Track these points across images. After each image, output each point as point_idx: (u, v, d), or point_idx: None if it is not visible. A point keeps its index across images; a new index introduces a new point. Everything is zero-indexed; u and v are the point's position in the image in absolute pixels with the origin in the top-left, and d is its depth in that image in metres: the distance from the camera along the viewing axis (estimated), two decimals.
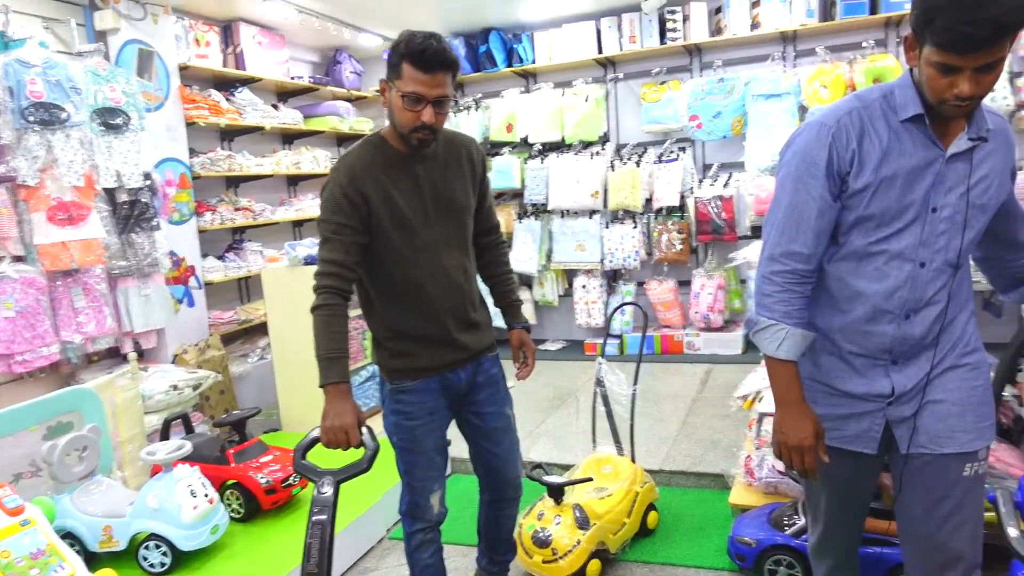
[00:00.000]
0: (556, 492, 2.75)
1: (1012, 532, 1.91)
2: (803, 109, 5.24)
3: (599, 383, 3.15)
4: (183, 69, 4.73)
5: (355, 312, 4.28)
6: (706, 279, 5.52)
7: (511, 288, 2.34)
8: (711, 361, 5.37)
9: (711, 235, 5.48)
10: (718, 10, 5.60)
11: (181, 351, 4.38)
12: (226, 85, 5.25)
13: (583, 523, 2.67)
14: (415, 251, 2.00)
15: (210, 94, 4.97)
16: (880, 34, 5.28)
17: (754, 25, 5.45)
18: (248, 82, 5.39)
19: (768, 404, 2.83)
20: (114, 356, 4.28)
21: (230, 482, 3.07)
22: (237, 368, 4.76)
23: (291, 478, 3.11)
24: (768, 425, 2.84)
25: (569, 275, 6.16)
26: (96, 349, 3.96)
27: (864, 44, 5.17)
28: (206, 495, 2.76)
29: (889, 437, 1.65)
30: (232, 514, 3.01)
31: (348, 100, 6.41)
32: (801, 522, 2.51)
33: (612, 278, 6.04)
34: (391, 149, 2.01)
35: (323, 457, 2.00)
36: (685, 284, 5.75)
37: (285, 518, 3.09)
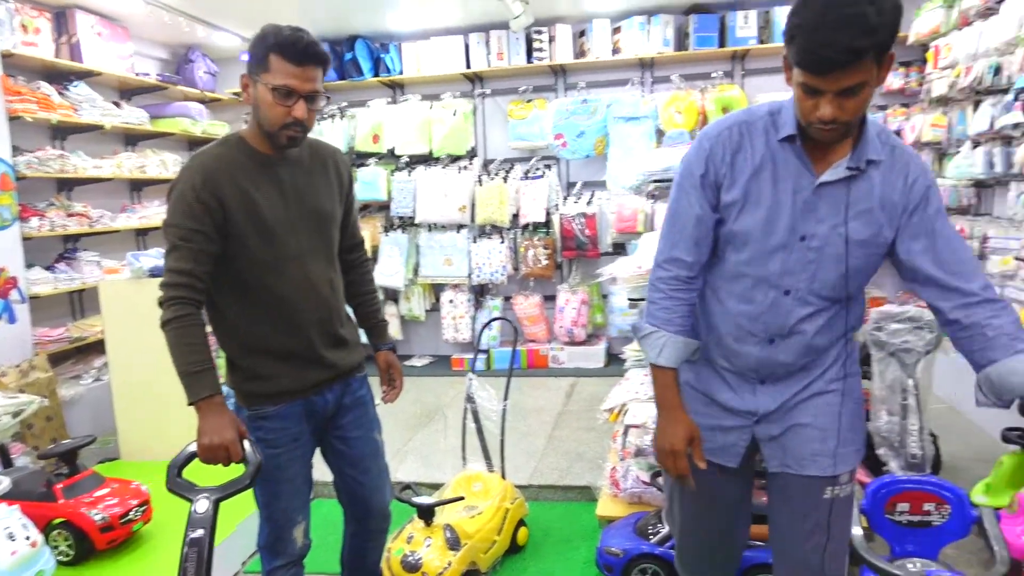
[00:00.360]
0: (426, 513, 2.67)
1: (856, 531, 2.08)
2: (660, 133, 5.52)
3: (469, 399, 3.11)
4: (6, 57, 4.24)
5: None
6: (570, 294, 5.65)
7: (376, 308, 2.23)
8: (575, 374, 5.49)
9: (575, 251, 5.62)
10: (582, 33, 5.79)
11: None
12: (59, 78, 4.75)
13: (454, 544, 2.61)
14: (277, 260, 1.85)
15: (39, 86, 4.48)
16: (727, 66, 5.67)
17: (615, 50, 5.69)
18: (85, 76, 4.90)
19: (633, 416, 2.91)
20: None
21: (57, 521, 2.73)
22: (68, 391, 4.28)
23: (131, 512, 2.82)
24: (633, 437, 2.92)
25: (436, 290, 6.10)
26: None
27: (713, 75, 5.54)
28: (27, 537, 2.44)
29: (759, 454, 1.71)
30: (60, 557, 2.68)
31: (201, 101, 6.02)
32: (665, 530, 2.58)
33: (479, 293, 6.05)
34: (252, 150, 1.84)
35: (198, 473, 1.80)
36: (550, 299, 5.86)
37: (123, 558, 2.79)
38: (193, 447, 1.75)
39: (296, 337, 1.90)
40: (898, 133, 5.27)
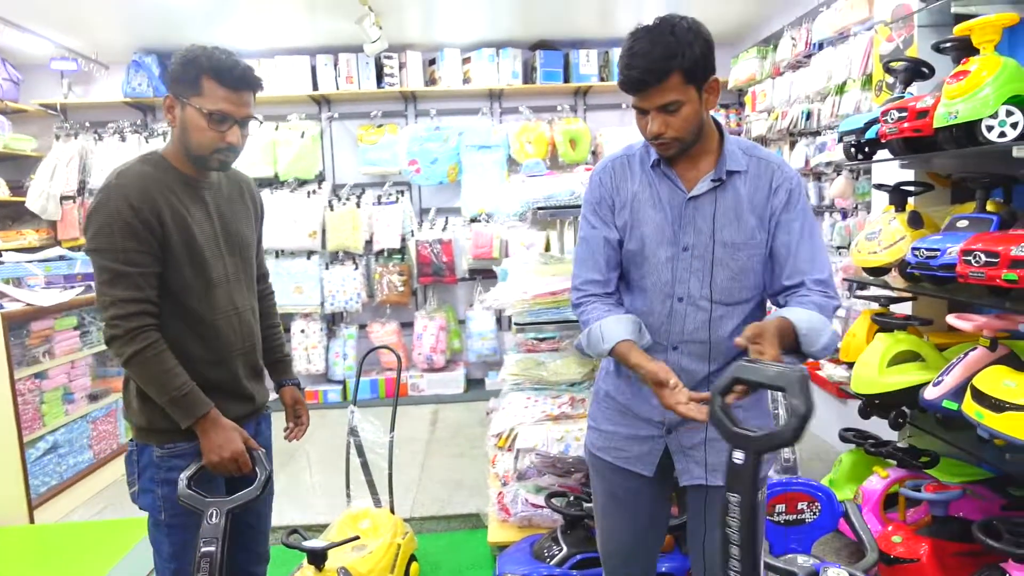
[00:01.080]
0: (318, 557, 2.49)
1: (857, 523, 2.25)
2: (511, 161, 5.69)
3: (352, 432, 2.98)
4: None
5: (26, 371, 3.49)
6: (428, 320, 5.61)
7: (281, 342, 2.13)
8: (436, 401, 5.44)
9: (432, 277, 5.61)
10: (432, 61, 5.84)
11: None
12: None
13: None
14: (208, 286, 1.75)
15: None
16: (571, 100, 5.98)
17: (466, 80, 5.79)
18: None
19: (524, 440, 2.94)
20: None
21: None
22: None
23: None
24: (525, 460, 2.95)
25: (286, 319, 5.79)
26: None
27: (559, 108, 5.82)
28: None
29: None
30: None
31: (2, 112, 5.30)
32: (563, 551, 2.63)
33: (331, 321, 5.83)
34: (176, 172, 1.75)
35: None
36: (407, 326, 5.78)
37: None
38: (200, 461, 1.73)
39: (222, 367, 1.80)
40: None
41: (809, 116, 4.38)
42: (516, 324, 2.95)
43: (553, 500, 2.77)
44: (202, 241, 1.74)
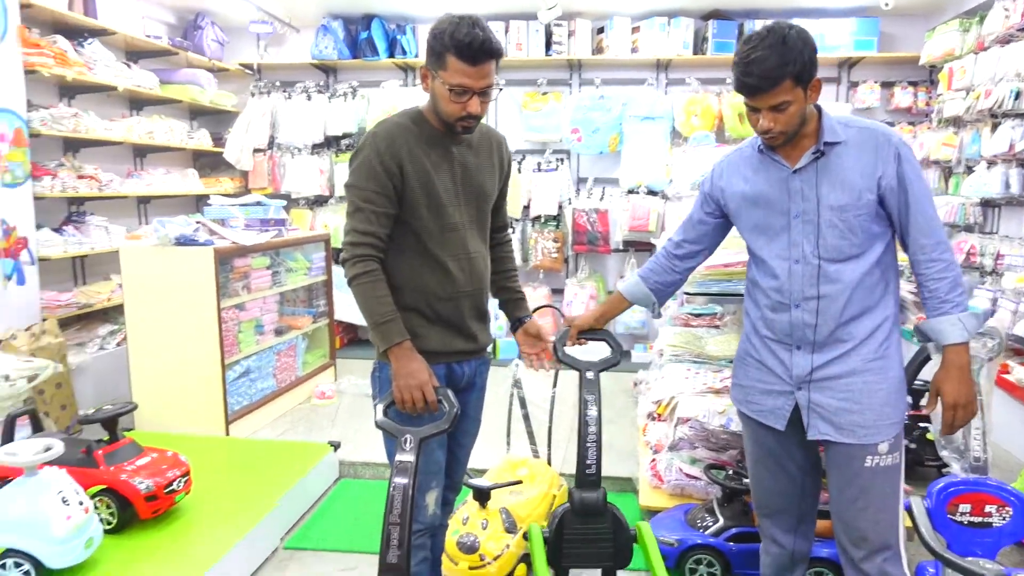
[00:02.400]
0: (482, 496, 2.67)
1: (925, 524, 2.16)
2: (675, 133, 5.59)
3: (516, 384, 3.11)
4: (25, 7, 4.05)
5: (229, 302, 3.90)
6: (579, 288, 5.69)
7: (518, 283, 2.31)
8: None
9: (586, 246, 5.66)
10: (601, 30, 5.82)
11: (8, 336, 3.72)
12: (69, 33, 4.55)
13: (511, 527, 2.62)
14: (443, 231, 1.93)
15: (55, 40, 4.30)
16: None
17: (633, 49, 5.73)
18: (98, 33, 4.73)
19: (684, 409, 2.96)
20: None
21: (98, 488, 2.64)
22: (74, 359, 4.13)
23: (175, 483, 2.74)
24: (681, 432, 2.96)
25: None
26: None
27: (728, 80, 5.63)
28: (80, 503, 2.35)
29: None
30: (102, 525, 2.58)
31: (210, 70, 5.85)
32: (720, 523, 2.64)
33: None
34: (429, 126, 1.94)
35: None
36: (557, 292, 5.88)
37: (166, 528, 2.71)
38: (392, 394, 1.86)
39: (451, 304, 1.97)
40: None
41: (1019, 96, 3.98)
42: (685, 293, 2.94)
43: (711, 471, 2.78)
44: (441, 190, 1.91)
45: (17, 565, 2.23)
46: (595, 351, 2.26)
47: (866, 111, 5.53)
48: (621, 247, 5.69)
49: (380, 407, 1.86)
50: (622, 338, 5.82)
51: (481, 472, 3.10)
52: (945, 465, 2.44)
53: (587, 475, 2.04)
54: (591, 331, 2.28)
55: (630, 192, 5.65)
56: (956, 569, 1.99)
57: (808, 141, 1.83)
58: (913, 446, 3.35)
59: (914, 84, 5.55)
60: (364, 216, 1.85)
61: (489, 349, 2.18)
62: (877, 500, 1.84)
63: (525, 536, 2.46)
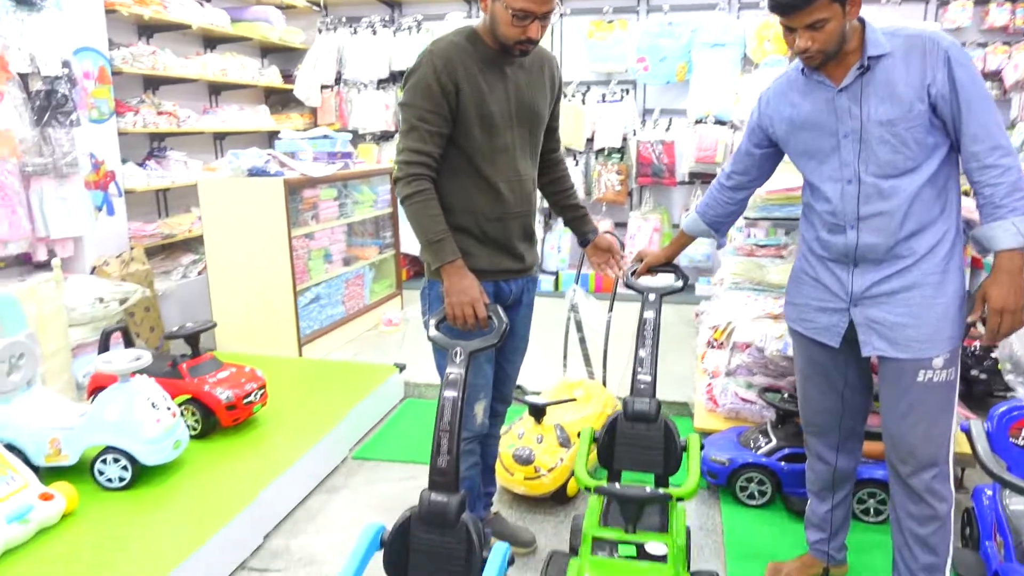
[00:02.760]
0: (538, 412, 2.76)
1: (982, 446, 2.13)
2: (747, 60, 5.38)
3: (573, 309, 3.17)
4: None
5: (299, 231, 4.06)
6: (642, 221, 5.64)
7: (578, 200, 2.34)
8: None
9: (651, 178, 5.59)
10: None
11: (102, 263, 4.00)
12: None
13: (565, 442, 2.71)
14: (494, 151, 1.96)
15: None
16: None
17: None
18: None
19: (740, 334, 2.96)
20: (23, 264, 3.86)
21: (184, 397, 2.87)
22: (160, 285, 4.41)
23: (252, 395, 2.95)
24: (740, 359, 2.96)
25: None
26: (6, 254, 3.56)
27: None
28: (168, 408, 2.57)
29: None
30: (188, 431, 2.82)
31: (278, 7, 5.94)
32: (772, 443, 2.66)
33: (548, 215, 6.05)
34: (485, 46, 1.93)
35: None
36: (620, 226, 5.85)
37: (246, 436, 2.93)
38: (444, 311, 1.92)
39: (500, 224, 2.01)
40: (997, 72, 5.10)
41: None
42: (746, 218, 2.90)
43: (767, 395, 2.79)
44: (494, 110, 1.93)
45: (116, 461, 2.47)
46: (661, 280, 2.31)
47: (956, 31, 5.18)
48: (687, 179, 5.58)
49: (432, 322, 1.92)
50: (686, 271, 5.79)
51: (538, 393, 3.20)
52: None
53: (641, 385, 2.12)
54: (661, 265, 2.36)
55: (697, 122, 5.51)
56: (1014, 489, 1.95)
57: (853, 57, 1.75)
58: (984, 376, 3.26)
59: (1012, 0, 5.14)
60: (418, 135, 1.88)
61: (536, 269, 2.23)
62: (928, 416, 1.83)
63: None
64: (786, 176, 2.95)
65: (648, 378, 2.11)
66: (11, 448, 2.44)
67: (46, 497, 2.24)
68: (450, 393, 1.73)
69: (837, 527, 2.20)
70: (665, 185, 5.61)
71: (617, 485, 1.83)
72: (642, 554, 1.79)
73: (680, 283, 2.28)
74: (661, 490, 1.80)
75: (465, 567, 1.64)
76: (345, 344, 4.48)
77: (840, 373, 2.00)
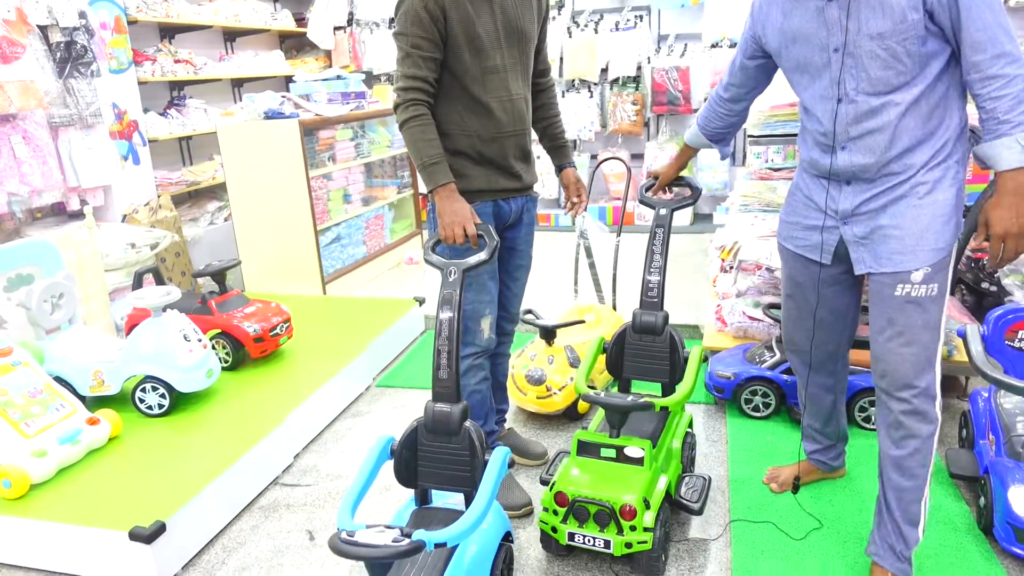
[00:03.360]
0: (548, 334, 2.87)
1: (975, 349, 2.18)
2: None
3: (582, 235, 3.24)
4: None
5: (317, 171, 4.16)
6: (659, 151, 5.62)
7: (562, 130, 2.39)
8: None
9: (666, 106, 5.54)
10: None
11: (131, 211, 4.17)
12: None
13: (575, 362, 2.82)
14: (485, 73, 2.02)
15: None
16: None
17: None
18: None
19: (746, 252, 3.01)
20: (58, 214, 4.04)
21: (215, 331, 3.04)
22: (188, 232, 4.58)
23: (278, 328, 3.10)
24: (751, 280, 3.02)
25: None
26: (41, 204, 3.73)
27: None
28: (199, 340, 2.73)
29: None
30: (220, 363, 3.00)
31: None
32: (776, 357, 2.74)
33: None
34: None
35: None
36: (638, 157, 5.84)
37: (273, 367, 3.10)
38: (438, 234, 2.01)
39: (495, 144, 2.08)
40: None
41: None
42: (750, 136, 2.92)
43: (772, 310, 2.85)
44: (482, 33, 1.98)
45: (154, 389, 2.66)
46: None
47: None
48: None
49: (428, 246, 2.01)
50: (703, 200, 5.79)
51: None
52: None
53: (649, 298, 2.23)
54: (674, 180, 2.38)
55: (713, 47, 5.42)
56: (1007, 388, 2.00)
57: None
58: (994, 288, 3.27)
59: None
60: (412, 61, 1.95)
61: (535, 188, 2.29)
62: (906, 332, 1.73)
63: None
64: (791, 91, 2.96)
65: (655, 293, 2.22)
66: (59, 380, 2.64)
67: (93, 422, 2.44)
68: (447, 310, 1.82)
69: (832, 439, 2.26)
70: (681, 113, 5.56)
71: (602, 393, 1.94)
72: (621, 456, 1.96)
73: (692, 198, 2.33)
74: (644, 399, 1.89)
75: (469, 469, 1.78)
76: (368, 282, 4.63)
77: (817, 294, 1.97)
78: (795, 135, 2.85)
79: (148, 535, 1.97)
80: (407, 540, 1.42)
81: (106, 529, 2.02)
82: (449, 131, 2.06)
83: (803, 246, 1.94)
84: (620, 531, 1.86)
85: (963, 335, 2.28)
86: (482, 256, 1.89)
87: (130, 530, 1.97)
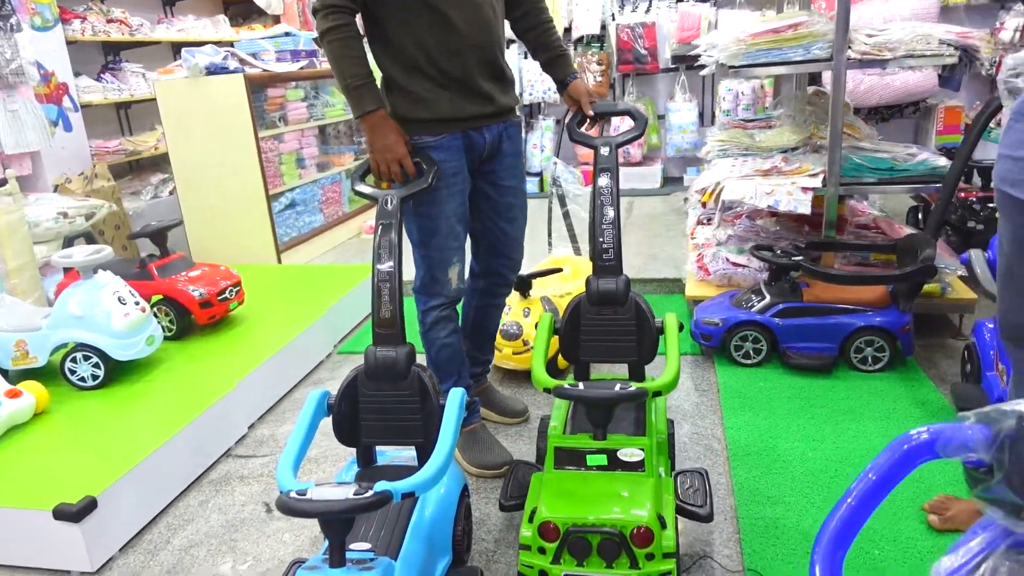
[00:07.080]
0: (524, 285, 2.66)
1: (981, 272, 2.06)
2: None
3: (555, 183, 3.04)
4: None
5: (266, 132, 3.87)
6: None
7: (557, 38, 2.02)
8: (630, 195, 5.38)
9: (632, 64, 5.36)
10: None
11: (63, 180, 3.84)
12: None
13: (553, 312, 2.61)
14: None
15: None
16: None
17: None
18: None
19: (730, 192, 2.83)
20: None
21: (157, 298, 2.76)
22: (130, 205, 4.26)
23: (227, 291, 2.84)
24: (728, 231, 2.85)
25: None
26: None
27: None
28: (136, 303, 2.46)
29: None
30: (163, 332, 2.72)
31: None
32: (766, 300, 2.58)
33: (529, 113, 5.84)
34: None
35: None
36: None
37: (223, 334, 2.84)
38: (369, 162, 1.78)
39: (456, 59, 1.77)
40: None
41: None
42: (730, 67, 2.73)
43: (759, 251, 2.68)
44: None
45: (86, 358, 2.38)
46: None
47: None
48: (671, 64, 5.36)
49: (357, 175, 1.78)
50: (673, 162, 5.63)
51: None
52: None
53: (604, 260, 1.78)
54: (611, 111, 2.00)
55: (679, 1, 5.25)
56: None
57: None
58: (980, 228, 3.17)
59: None
60: None
61: (515, 113, 1.98)
62: None
63: None
64: (770, 20, 2.78)
65: (611, 255, 1.78)
66: None
67: (13, 394, 2.16)
68: (385, 240, 1.61)
69: None
70: (648, 72, 5.39)
71: (581, 386, 1.51)
72: (614, 462, 1.53)
73: (637, 129, 1.93)
74: (634, 386, 1.47)
75: (420, 418, 1.56)
76: (326, 252, 4.36)
77: None
78: (780, 63, 2.66)
79: (75, 512, 1.71)
80: (371, 492, 1.20)
81: (26, 509, 1.76)
82: (402, 44, 1.75)
83: None
84: (634, 563, 1.39)
85: (967, 261, 2.15)
86: (422, 183, 1.69)
87: (54, 507, 1.72)
